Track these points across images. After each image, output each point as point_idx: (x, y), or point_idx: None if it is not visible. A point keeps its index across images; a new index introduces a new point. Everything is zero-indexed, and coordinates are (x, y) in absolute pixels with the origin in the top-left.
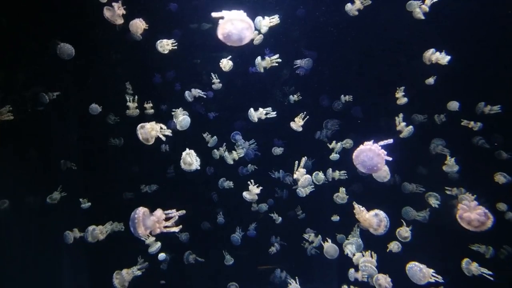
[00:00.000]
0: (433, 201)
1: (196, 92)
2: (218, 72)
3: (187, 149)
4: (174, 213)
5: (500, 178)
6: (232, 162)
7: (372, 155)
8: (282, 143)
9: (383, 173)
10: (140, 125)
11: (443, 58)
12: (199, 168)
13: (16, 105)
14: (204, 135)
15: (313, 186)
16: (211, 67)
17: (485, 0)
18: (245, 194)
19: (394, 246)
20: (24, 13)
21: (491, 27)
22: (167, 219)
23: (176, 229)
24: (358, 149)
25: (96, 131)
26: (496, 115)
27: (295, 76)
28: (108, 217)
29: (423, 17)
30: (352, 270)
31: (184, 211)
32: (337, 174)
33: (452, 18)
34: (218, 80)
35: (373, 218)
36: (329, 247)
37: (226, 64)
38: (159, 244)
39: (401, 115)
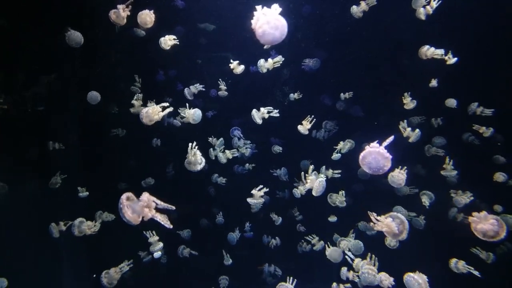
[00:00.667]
0: (425, 200)
1: (196, 89)
2: (221, 73)
3: (193, 149)
4: (164, 205)
5: (500, 176)
6: (225, 161)
7: (379, 157)
8: (279, 141)
9: (400, 180)
10: (144, 109)
11: (449, 59)
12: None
13: (16, 105)
14: (210, 139)
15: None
16: (214, 68)
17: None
18: (250, 200)
19: (391, 242)
20: (24, 13)
21: (493, 28)
22: (158, 210)
23: (168, 223)
24: (366, 150)
25: (97, 122)
26: (498, 116)
27: (295, 76)
28: (103, 208)
29: (423, 18)
30: (344, 269)
31: (173, 207)
32: (330, 173)
33: (456, 19)
34: (225, 88)
35: (392, 224)
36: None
37: (236, 66)
38: (161, 244)
39: (404, 121)
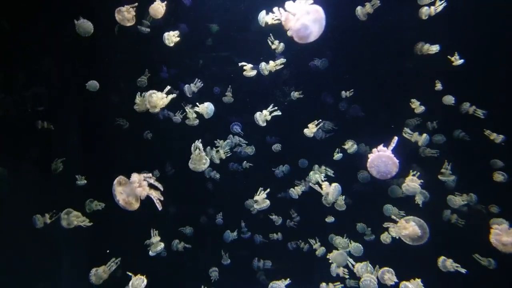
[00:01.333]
0: (419, 199)
1: (195, 87)
2: (222, 73)
3: (197, 149)
4: (152, 179)
5: (499, 176)
6: (218, 161)
7: (389, 161)
8: (276, 139)
9: (415, 187)
10: (149, 92)
11: (455, 60)
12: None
13: (16, 105)
14: (216, 141)
15: (306, 187)
16: (215, 68)
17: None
18: (255, 206)
19: (386, 239)
20: (24, 13)
21: (493, 28)
22: (151, 186)
23: (160, 201)
24: (374, 153)
25: (97, 122)
26: (499, 116)
27: (296, 75)
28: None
29: (424, 18)
30: (334, 266)
31: (161, 188)
32: (323, 170)
33: (457, 19)
34: (231, 94)
35: (416, 227)
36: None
37: (249, 69)
38: (162, 245)
39: (406, 129)
